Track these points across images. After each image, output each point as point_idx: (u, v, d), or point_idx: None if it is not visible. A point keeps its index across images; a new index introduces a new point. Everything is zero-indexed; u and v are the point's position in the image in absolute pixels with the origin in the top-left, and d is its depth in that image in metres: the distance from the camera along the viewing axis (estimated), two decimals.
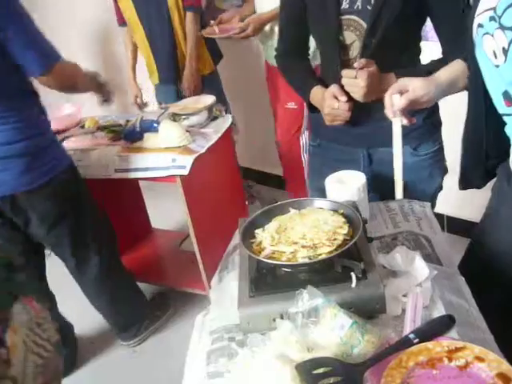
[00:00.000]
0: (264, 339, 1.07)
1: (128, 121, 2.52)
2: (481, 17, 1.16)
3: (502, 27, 1.08)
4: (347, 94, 1.52)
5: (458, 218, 2.94)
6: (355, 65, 1.45)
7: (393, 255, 1.27)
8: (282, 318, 1.07)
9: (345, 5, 1.52)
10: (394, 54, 1.55)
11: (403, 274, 1.22)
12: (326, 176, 1.67)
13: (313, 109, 1.70)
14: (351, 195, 1.41)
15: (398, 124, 1.30)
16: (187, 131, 2.32)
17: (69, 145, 2.45)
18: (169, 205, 3.26)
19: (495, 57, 1.12)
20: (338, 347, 0.99)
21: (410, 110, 1.41)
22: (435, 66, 1.50)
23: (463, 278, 1.30)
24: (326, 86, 1.60)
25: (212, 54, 3.12)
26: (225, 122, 2.51)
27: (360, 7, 1.51)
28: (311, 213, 1.28)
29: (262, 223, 1.28)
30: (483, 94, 1.25)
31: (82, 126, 2.69)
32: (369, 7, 1.49)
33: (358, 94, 1.48)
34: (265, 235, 1.22)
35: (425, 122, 1.66)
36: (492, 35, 1.12)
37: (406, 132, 1.57)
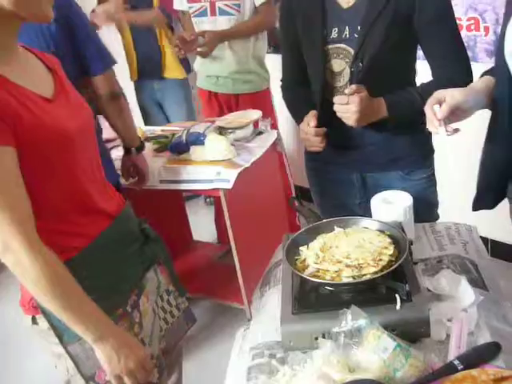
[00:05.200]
0: (305, 358, 1.07)
1: (174, 133, 2.55)
2: None
3: None
4: (339, 120, 1.52)
5: (502, 242, 2.87)
6: (346, 91, 1.48)
7: (438, 278, 1.25)
8: (324, 337, 1.07)
9: (333, 34, 1.58)
10: (383, 78, 1.56)
11: (448, 298, 1.20)
12: (327, 199, 1.84)
13: None
14: (397, 216, 1.40)
15: (444, 134, 1.29)
16: (232, 145, 2.34)
17: (116, 155, 2.50)
18: (211, 217, 3.30)
19: None
20: (381, 370, 0.98)
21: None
22: (426, 88, 1.52)
23: (509, 305, 1.27)
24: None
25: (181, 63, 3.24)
26: (270, 136, 2.53)
27: (348, 35, 1.56)
28: (356, 232, 1.27)
29: (307, 240, 1.28)
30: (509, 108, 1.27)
31: None
32: (356, 35, 1.54)
33: (351, 119, 1.49)
34: (309, 253, 1.22)
35: (417, 149, 1.69)
36: None
37: (397, 157, 1.65)
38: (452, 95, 1.28)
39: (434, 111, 1.29)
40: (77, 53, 1.87)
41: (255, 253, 2.20)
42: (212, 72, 2.93)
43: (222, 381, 1.23)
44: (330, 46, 1.59)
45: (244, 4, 2.77)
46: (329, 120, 1.56)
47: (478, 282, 1.30)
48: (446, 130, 1.29)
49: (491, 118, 1.38)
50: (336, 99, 1.50)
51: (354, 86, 1.47)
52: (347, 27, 1.55)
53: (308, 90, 1.73)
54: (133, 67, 3.29)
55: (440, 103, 1.29)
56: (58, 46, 1.80)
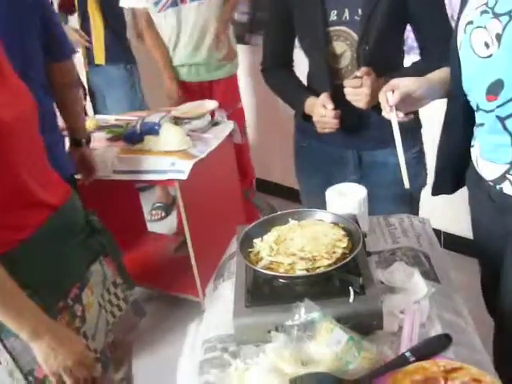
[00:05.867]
0: (258, 351, 1.06)
1: (128, 123, 2.50)
2: (471, 15, 1.21)
3: (496, 15, 1.13)
4: (339, 101, 1.56)
5: (454, 235, 2.93)
6: (357, 73, 1.49)
7: (391, 271, 1.26)
8: (277, 330, 1.06)
9: (333, 16, 1.60)
10: (384, 60, 1.59)
11: (401, 290, 1.21)
12: (314, 176, 1.82)
13: (306, 119, 1.73)
14: (352, 208, 1.39)
15: (394, 119, 1.34)
16: (188, 135, 2.31)
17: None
18: None
19: (487, 47, 1.15)
20: (333, 363, 0.98)
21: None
22: (419, 67, 1.58)
23: (460, 296, 1.29)
24: (317, 95, 1.65)
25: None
26: (226, 127, 2.50)
27: (348, 18, 1.58)
28: (311, 224, 1.27)
29: (261, 233, 1.27)
30: (463, 98, 1.31)
31: None
32: (357, 18, 1.57)
33: (363, 101, 1.51)
34: (263, 245, 1.21)
35: (409, 123, 1.67)
36: (484, 27, 1.15)
37: (392, 133, 1.62)
38: (405, 84, 1.33)
39: (386, 97, 1.33)
40: (46, 37, 1.81)
41: (211, 244, 2.18)
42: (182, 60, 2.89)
43: (175, 376, 1.21)
44: (331, 29, 1.60)
45: None
46: (334, 102, 1.59)
47: (430, 275, 1.31)
48: (397, 116, 1.35)
49: (447, 108, 1.43)
50: (348, 82, 1.52)
51: (364, 69, 1.48)
52: (346, 10, 1.58)
53: (294, 73, 1.78)
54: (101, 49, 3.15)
55: (393, 90, 1.32)
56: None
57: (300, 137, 1.90)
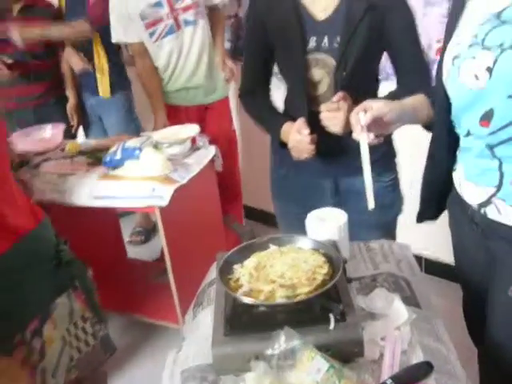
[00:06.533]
0: (237, 380, 1.04)
1: (109, 147, 2.48)
2: (456, 49, 1.23)
3: (486, 48, 1.14)
4: (316, 128, 1.56)
5: (435, 260, 2.94)
6: (334, 98, 1.49)
7: (372, 297, 1.25)
8: (257, 359, 1.04)
9: (312, 44, 1.61)
10: (360, 87, 1.60)
11: (382, 316, 1.20)
12: (291, 204, 1.82)
13: (282, 145, 1.73)
14: (332, 234, 1.39)
15: (364, 141, 1.35)
16: (169, 160, 2.29)
17: (46, 169, 2.41)
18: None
19: (477, 79, 1.16)
20: None
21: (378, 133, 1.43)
22: (394, 95, 1.59)
23: (442, 322, 1.29)
24: (294, 121, 1.65)
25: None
26: (207, 153, 2.49)
27: (327, 45, 1.60)
28: (291, 251, 1.26)
29: (241, 259, 1.25)
30: (448, 127, 1.34)
31: (63, 150, 2.65)
32: (335, 45, 1.58)
33: (339, 126, 1.50)
34: (243, 272, 1.20)
35: (385, 150, 1.75)
36: (473, 57, 1.17)
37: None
38: (378, 106, 1.35)
39: (358, 118, 1.34)
40: None
41: (192, 271, 2.15)
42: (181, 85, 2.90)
43: None
44: (310, 56, 1.62)
45: (202, 10, 2.79)
46: (311, 128, 1.59)
47: (411, 300, 1.30)
48: (368, 137, 1.35)
49: (432, 136, 1.45)
50: (325, 107, 1.51)
51: (341, 93, 1.49)
52: (326, 37, 1.59)
53: (271, 100, 1.80)
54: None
55: (365, 111, 1.34)
56: None
57: (276, 165, 1.89)
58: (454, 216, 1.47)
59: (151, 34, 2.75)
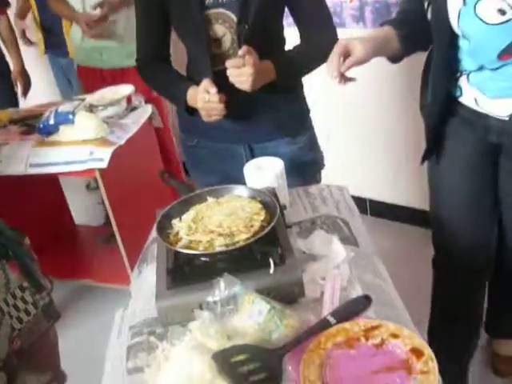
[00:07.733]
0: (184, 331, 1.05)
1: (41, 113, 2.41)
2: None
3: None
4: (225, 87, 1.51)
5: (380, 202, 3.01)
6: (239, 53, 1.45)
7: (311, 240, 1.28)
8: (200, 308, 1.06)
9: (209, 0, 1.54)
10: (264, 42, 1.56)
11: (321, 257, 1.23)
12: (210, 175, 1.77)
13: (191, 111, 1.66)
14: (270, 182, 1.40)
15: (337, 83, 1.32)
16: (105, 122, 2.25)
17: None
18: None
19: (502, 14, 1.19)
20: (257, 333, 0.99)
21: None
22: (299, 51, 1.61)
23: (380, 259, 1.33)
24: (199, 84, 1.57)
25: None
26: (144, 112, 2.46)
27: (225, 0, 1.52)
28: (229, 201, 1.27)
29: (180, 213, 1.26)
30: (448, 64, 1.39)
31: None
32: None
33: (247, 82, 1.47)
34: (181, 225, 1.20)
35: (298, 111, 1.75)
36: None
37: (282, 123, 1.68)
38: (359, 52, 1.30)
39: (339, 62, 1.30)
40: None
41: (138, 231, 2.15)
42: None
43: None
44: (209, 12, 1.54)
45: None
46: (218, 88, 1.52)
47: (349, 240, 1.34)
48: (343, 81, 1.33)
49: (431, 73, 1.46)
50: (230, 63, 1.47)
51: (245, 48, 1.44)
52: None
53: (172, 66, 1.71)
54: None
55: (345, 54, 1.31)
56: None
57: (186, 135, 1.82)
58: (457, 143, 1.50)
59: None
